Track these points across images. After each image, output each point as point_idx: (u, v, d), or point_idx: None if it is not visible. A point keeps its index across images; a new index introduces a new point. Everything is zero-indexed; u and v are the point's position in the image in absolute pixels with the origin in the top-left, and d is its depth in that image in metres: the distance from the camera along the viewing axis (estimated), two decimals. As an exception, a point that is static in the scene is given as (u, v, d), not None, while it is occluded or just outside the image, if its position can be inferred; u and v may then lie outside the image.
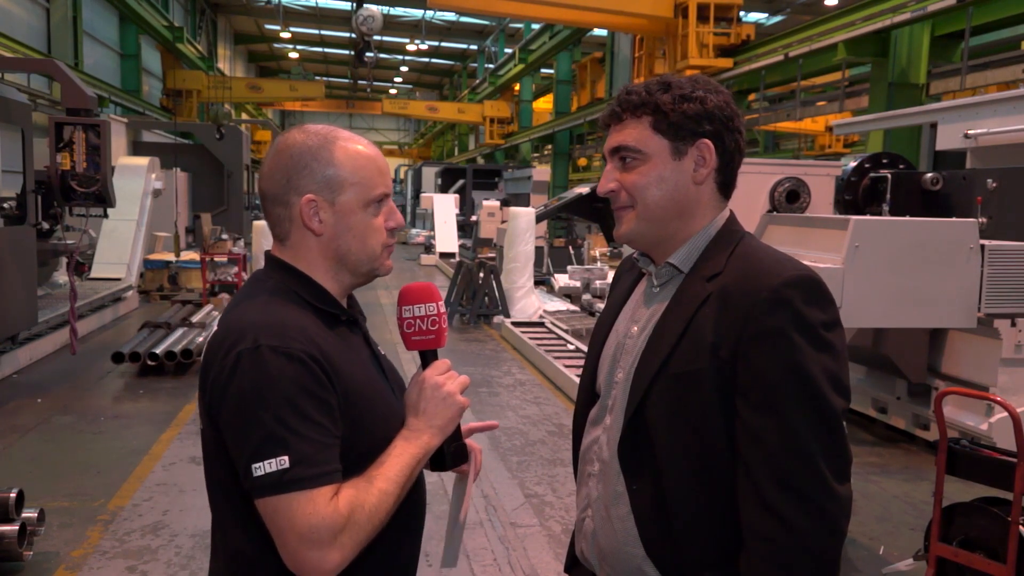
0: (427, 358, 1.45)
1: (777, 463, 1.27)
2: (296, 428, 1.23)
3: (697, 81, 1.41)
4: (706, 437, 1.32)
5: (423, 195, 24.76)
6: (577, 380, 6.61)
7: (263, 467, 1.21)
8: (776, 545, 1.26)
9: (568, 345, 8.86)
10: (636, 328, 1.44)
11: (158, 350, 7.52)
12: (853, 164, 6.90)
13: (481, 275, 11.29)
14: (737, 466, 1.31)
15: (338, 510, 1.23)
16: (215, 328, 1.37)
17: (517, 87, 36.35)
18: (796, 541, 1.25)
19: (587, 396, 1.53)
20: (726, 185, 1.44)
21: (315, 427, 1.26)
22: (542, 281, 13.25)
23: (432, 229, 21.89)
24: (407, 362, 8.55)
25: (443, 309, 1.46)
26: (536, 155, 35.92)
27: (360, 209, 1.40)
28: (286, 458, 1.22)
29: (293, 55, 46.83)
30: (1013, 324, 4.96)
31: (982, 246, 4.62)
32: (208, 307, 10.10)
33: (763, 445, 1.28)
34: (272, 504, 1.22)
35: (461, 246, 20.50)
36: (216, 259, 12.91)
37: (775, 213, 5.30)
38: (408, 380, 1.47)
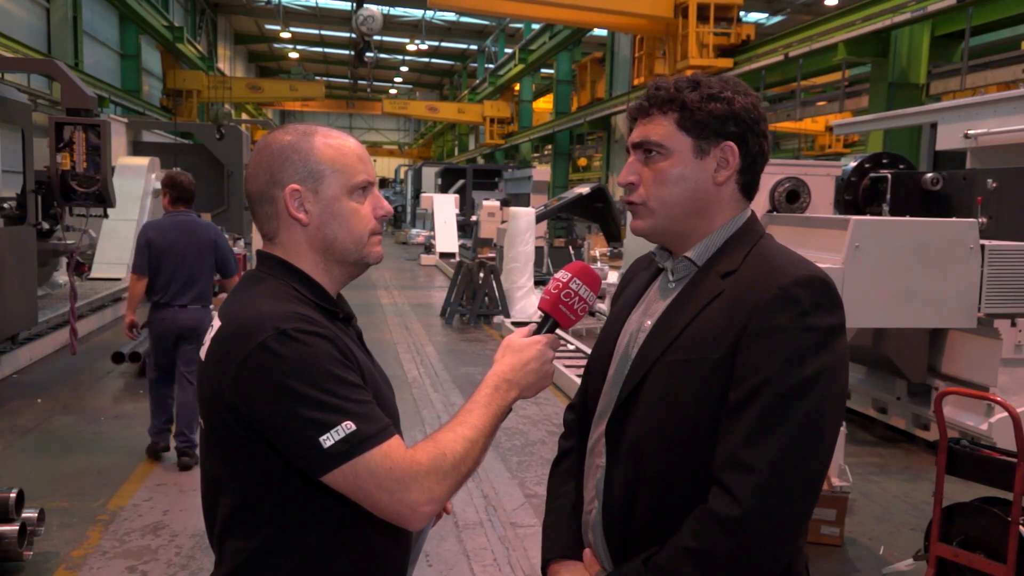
0: (552, 326, 1.49)
1: (745, 445, 1.25)
2: (346, 394, 1.27)
3: (727, 82, 1.42)
4: (691, 426, 1.32)
5: (423, 195, 24.75)
6: (578, 380, 6.61)
7: (331, 436, 1.23)
8: (716, 516, 1.25)
9: (568, 345, 8.87)
10: (649, 322, 1.44)
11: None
12: (853, 164, 6.89)
13: (481, 275, 11.30)
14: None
15: (415, 457, 1.27)
16: (218, 325, 1.36)
17: (517, 87, 36.38)
18: (735, 522, 1.23)
19: (596, 388, 1.53)
20: (748, 187, 1.44)
21: (359, 390, 1.30)
22: (542, 281, 13.24)
23: (432, 229, 21.88)
24: (407, 361, 8.55)
25: (593, 303, 1.52)
26: (536, 155, 35.94)
27: (344, 196, 1.41)
28: (349, 422, 1.24)
29: (293, 55, 46.85)
30: (1013, 324, 4.96)
31: (982, 246, 4.62)
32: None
33: (740, 426, 1.26)
34: (352, 470, 1.24)
35: (461, 246, 20.49)
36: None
37: (775, 213, 5.30)
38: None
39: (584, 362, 7.71)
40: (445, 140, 55.77)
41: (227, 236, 15.31)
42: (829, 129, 21.79)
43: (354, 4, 21.76)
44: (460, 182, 26.96)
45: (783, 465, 1.24)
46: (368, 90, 43.20)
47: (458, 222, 21.28)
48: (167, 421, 5.25)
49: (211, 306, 5.22)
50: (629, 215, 1.48)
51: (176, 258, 4.99)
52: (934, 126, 7.96)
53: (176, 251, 4.99)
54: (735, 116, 1.38)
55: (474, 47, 44.07)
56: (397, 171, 45.06)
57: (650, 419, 1.36)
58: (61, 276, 10.80)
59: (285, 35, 39.80)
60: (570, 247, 17.01)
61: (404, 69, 51.29)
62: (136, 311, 5.24)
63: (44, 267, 9.70)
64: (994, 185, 5.94)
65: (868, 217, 5.22)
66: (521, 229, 11.63)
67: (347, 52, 39.73)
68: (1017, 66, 11.67)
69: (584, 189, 14.67)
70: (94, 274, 11.94)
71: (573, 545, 1.53)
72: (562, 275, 1.50)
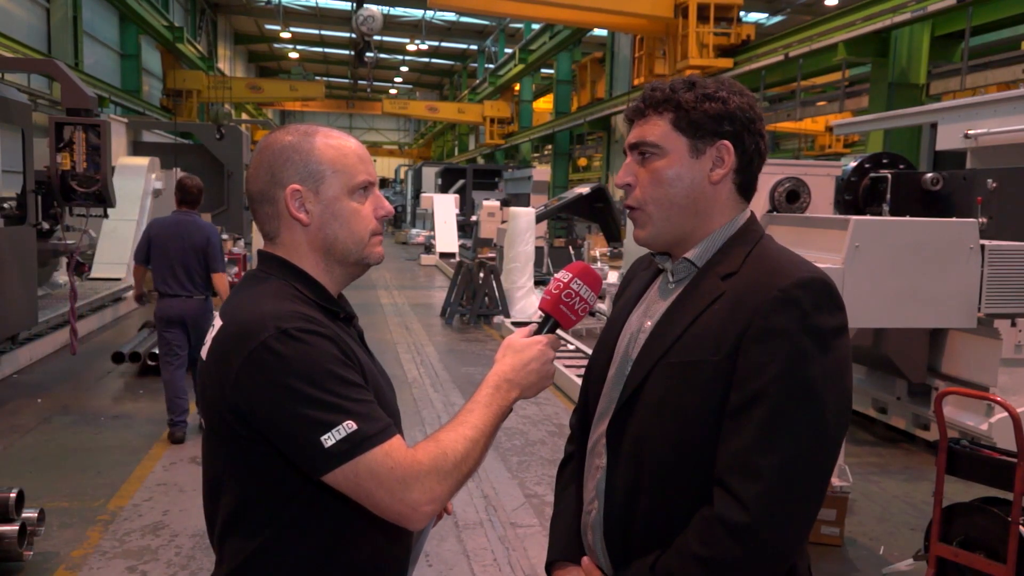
0: (552, 326, 1.49)
1: (751, 450, 1.25)
2: (347, 394, 1.27)
3: (722, 82, 1.42)
4: (692, 429, 1.32)
5: (423, 195, 24.75)
6: (578, 380, 6.61)
7: (332, 436, 1.23)
8: (724, 522, 1.25)
9: (569, 345, 8.87)
10: (650, 323, 1.44)
11: (158, 350, 7.52)
12: (853, 164, 6.89)
13: (481, 275, 11.30)
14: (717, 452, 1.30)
15: (416, 457, 1.27)
16: (219, 324, 1.36)
17: (517, 87, 36.37)
18: (743, 528, 1.24)
19: (596, 389, 1.54)
20: (746, 187, 1.44)
21: (360, 389, 1.30)
22: (542, 281, 13.25)
23: (432, 229, 21.88)
24: (407, 361, 8.55)
25: (594, 304, 1.52)
26: (536, 155, 35.94)
27: (345, 196, 1.41)
28: (351, 422, 1.24)
29: (293, 55, 46.84)
30: (1013, 324, 4.96)
31: (982, 246, 4.62)
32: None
33: (744, 430, 1.26)
34: (353, 469, 1.24)
35: (461, 246, 20.49)
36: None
37: (775, 213, 5.30)
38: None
39: (585, 362, 7.66)
40: (445, 140, 55.76)
41: (226, 236, 15.31)
42: (829, 129, 21.79)
43: (354, 4, 21.76)
44: (460, 182, 26.95)
45: (789, 470, 1.25)
46: (368, 90, 43.15)
47: (458, 222, 21.28)
48: (183, 412, 5.72)
49: (213, 296, 5.85)
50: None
51: (170, 252, 5.59)
52: (934, 126, 7.96)
53: (171, 246, 5.60)
54: (730, 115, 1.39)
55: (474, 47, 44.07)
56: (397, 171, 45.07)
57: (651, 420, 1.36)
58: (61, 276, 10.79)
59: (285, 35, 39.80)
60: (570, 247, 17.00)
61: (404, 69, 51.28)
62: (142, 297, 6.06)
63: (44, 267, 9.69)
64: (994, 185, 5.94)
65: (868, 217, 5.22)
66: (521, 229, 11.62)
67: (347, 52, 39.73)
68: (1017, 66, 11.67)
69: (584, 189, 14.67)
70: (94, 274, 11.93)
71: (575, 547, 1.53)
72: (563, 275, 1.50)
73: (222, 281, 5.68)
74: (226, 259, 13.23)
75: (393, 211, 1.53)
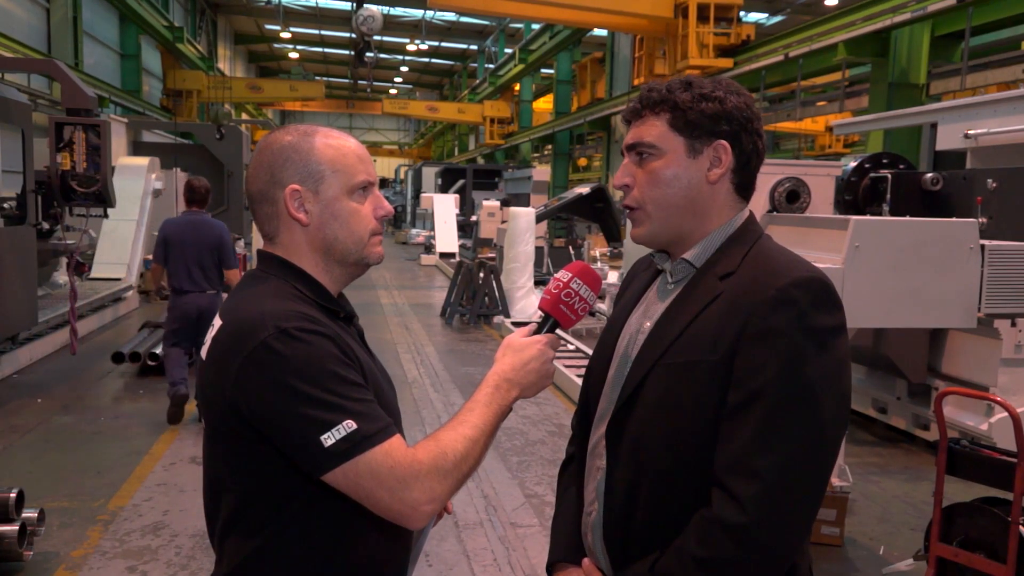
0: (552, 326, 1.50)
1: (749, 451, 1.25)
2: (347, 393, 1.27)
3: (719, 82, 1.42)
4: (690, 429, 1.32)
5: (423, 195, 24.76)
6: (578, 380, 6.61)
7: (332, 436, 1.23)
8: (722, 523, 1.25)
9: (568, 345, 8.87)
10: (649, 324, 1.44)
11: (158, 350, 7.52)
12: (853, 164, 6.89)
13: (481, 275, 11.29)
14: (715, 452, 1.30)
15: (416, 456, 1.27)
16: (219, 324, 1.36)
17: (517, 87, 36.37)
18: (741, 529, 1.24)
19: (596, 390, 1.54)
20: (744, 186, 1.44)
21: (360, 389, 1.30)
22: (542, 281, 13.25)
23: (432, 229, 21.88)
24: (407, 361, 8.55)
25: (593, 303, 1.53)
26: (536, 155, 35.93)
27: (344, 196, 1.41)
28: (350, 421, 1.24)
29: (293, 55, 46.85)
30: (1013, 324, 4.96)
31: (982, 246, 4.62)
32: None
33: (742, 431, 1.26)
34: (353, 469, 1.24)
35: (461, 246, 20.49)
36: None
37: (775, 213, 5.30)
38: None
39: (585, 362, 7.65)
40: (445, 140, 55.77)
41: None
42: (829, 129, 21.79)
43: (354, 4, 21.77)
44: (460, 182, 26.94)
45: (787, 471, 1.24)
46: (368, 90, 43.15)
47: (458, 222, 21.27)
48: (183, 378, 5.99)
49: (224, 292, 6.09)
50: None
51: (185, 250, 5.89)
52: (934, 126, 7.95)
53: (186, 245, 5.89)
54: (727, 115, 1.38)
55: (474, 47, 44.06)
56: (397, 171, 45.07)
57: (650, 421, 1.36)
58: (61, 276, 10.79)
59: (285, 35, 39.79)
60: (570, 247, 17.00)
61: (404, 69, 51.28)
62: (160, 291, 6.33)
63: (44, 267, 9.69)
64: (994, 185, 5.94)
65: (868, 217, 5.22)
66: (521, 229, 11.62)
67: (347, 52, 39.70)
68: (1017, 66, 11.66)
69: (584, 189, 14.67)
70: (94, 274, 11.92)
71: (576, 548, 1.53)
72: (563, 275, 1.50)
73: (236, 277, 5.95)
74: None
75: (393, 211, 1.53)
